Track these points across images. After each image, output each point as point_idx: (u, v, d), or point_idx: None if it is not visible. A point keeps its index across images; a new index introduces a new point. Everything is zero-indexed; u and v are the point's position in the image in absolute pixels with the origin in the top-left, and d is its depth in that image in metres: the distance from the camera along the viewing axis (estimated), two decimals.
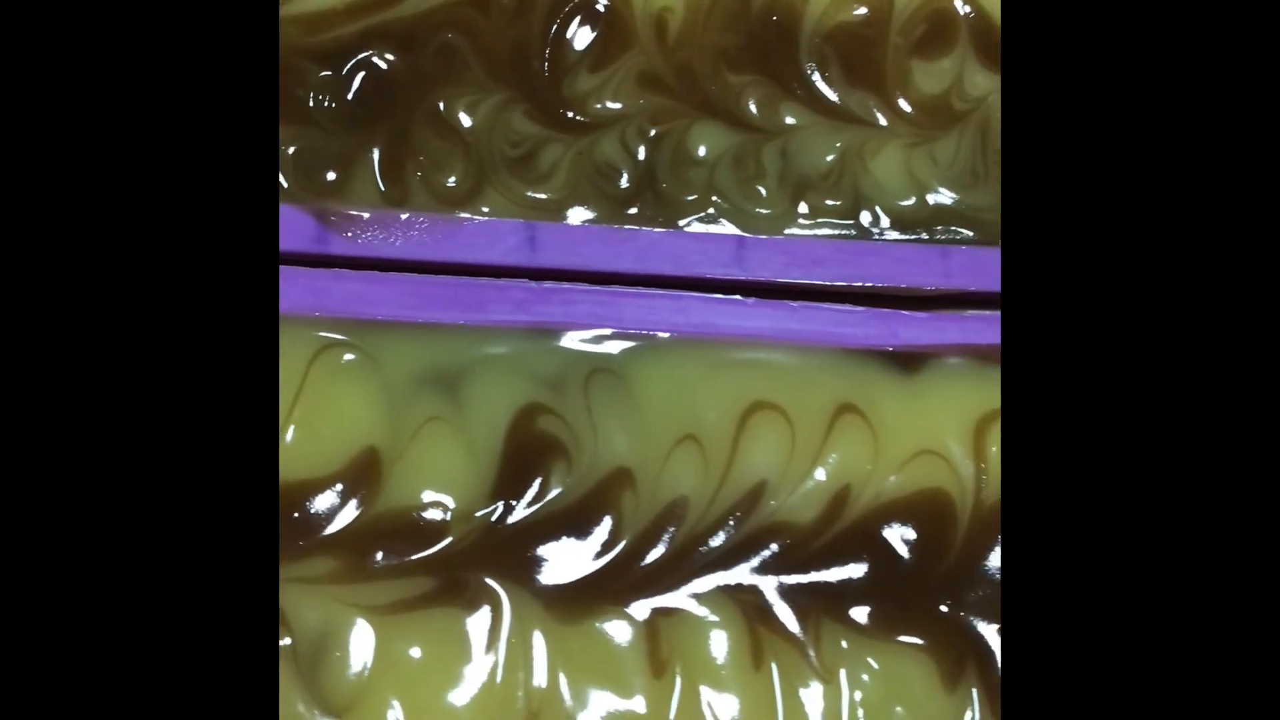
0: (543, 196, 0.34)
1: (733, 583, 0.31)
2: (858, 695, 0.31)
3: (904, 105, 0.36)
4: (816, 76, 0.36)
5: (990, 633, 0.31)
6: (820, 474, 0.32)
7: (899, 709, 0.31)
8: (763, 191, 0.35)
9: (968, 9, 0.36)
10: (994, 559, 0.32)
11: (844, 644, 0.31)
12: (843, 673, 0.31)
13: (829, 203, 0.35)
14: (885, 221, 0.35)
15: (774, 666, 0.31)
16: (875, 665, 0.31)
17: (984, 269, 0.34)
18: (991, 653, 0.31)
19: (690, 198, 0.34)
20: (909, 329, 0.34)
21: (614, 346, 0.33)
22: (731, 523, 0.32)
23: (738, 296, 0.34)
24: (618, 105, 0.35)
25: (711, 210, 0.34)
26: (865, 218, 0.35)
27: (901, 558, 0.32)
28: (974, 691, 0.31)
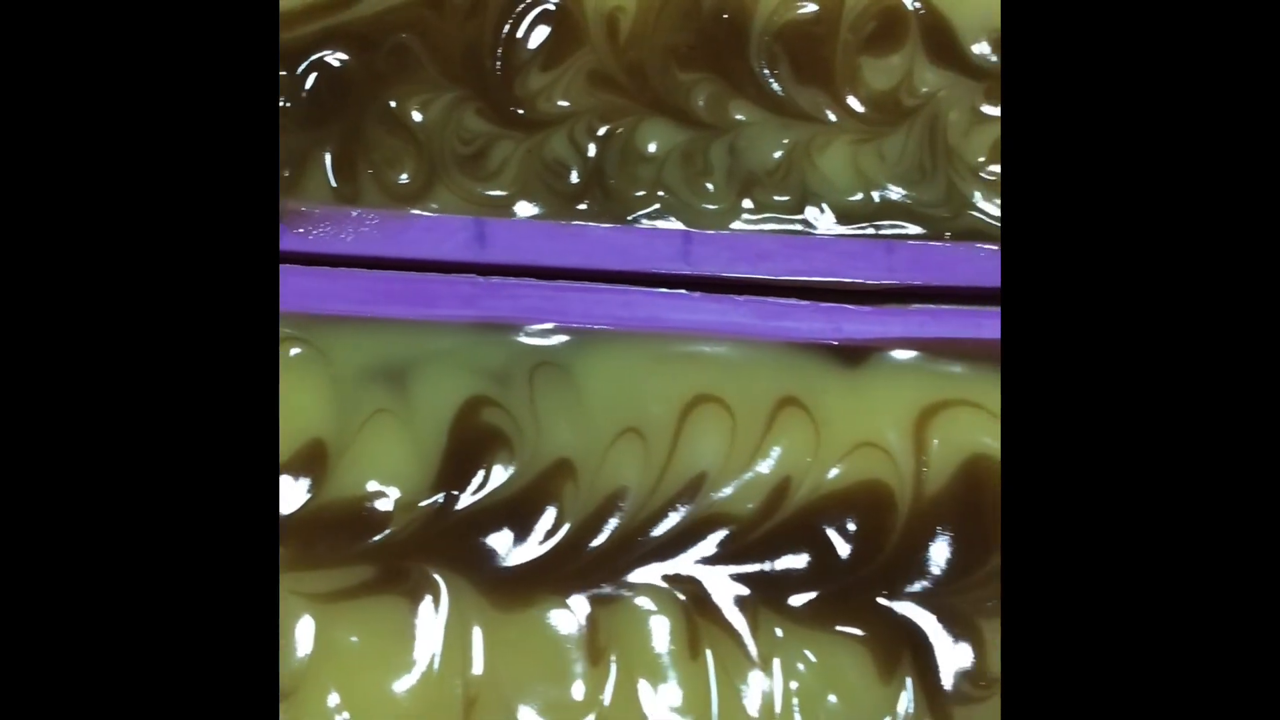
0: (493, 193, 0.35)
1: (671, 573, 0.32)
2: (794, 685, 0.31)
3: (853, 102, 0.36)
4: (766, 74, 0.36)
5: (928, 623, 0.31)
6: (760, 466, 0.33)
7: (833, 698, 0.31)
8: (710, 187, 0.35)
9: (917, 5, 0.36)
10: (934, 550, 0.32)
11: (780, 633, 0.31)
12: (778, 662, 0.31)
13: (776, 198, 0.35)
14: (831, 217, 0.35)
15: (710, 655, 0.31)
16: (811, 655, 0.31)
17: (929, 263, 0.34)
18: (928, 644, 0.31)
19: (638, 194, 0.35)
20: (853, 323, 0.34)
21: (560, 340, 0.34)
22: (671, 514, 0.32)
23: (683, 291, 0.34)
24: (567, 103, 0.36)
25: (659, 206, 0.35)
26: (811, 213, 0.35)
27: (840, 549, 0.32)
28: (909, 681, 0.31)
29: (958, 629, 0.31)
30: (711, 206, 0.35)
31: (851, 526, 0.32)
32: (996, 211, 0.35)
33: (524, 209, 0.35)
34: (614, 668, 0.31)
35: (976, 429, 0.33)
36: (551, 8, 0.36)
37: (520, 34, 0.36)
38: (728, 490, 0.32)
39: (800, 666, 0.31)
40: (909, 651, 0.31)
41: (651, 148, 0.35)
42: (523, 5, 0.36)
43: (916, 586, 0.32)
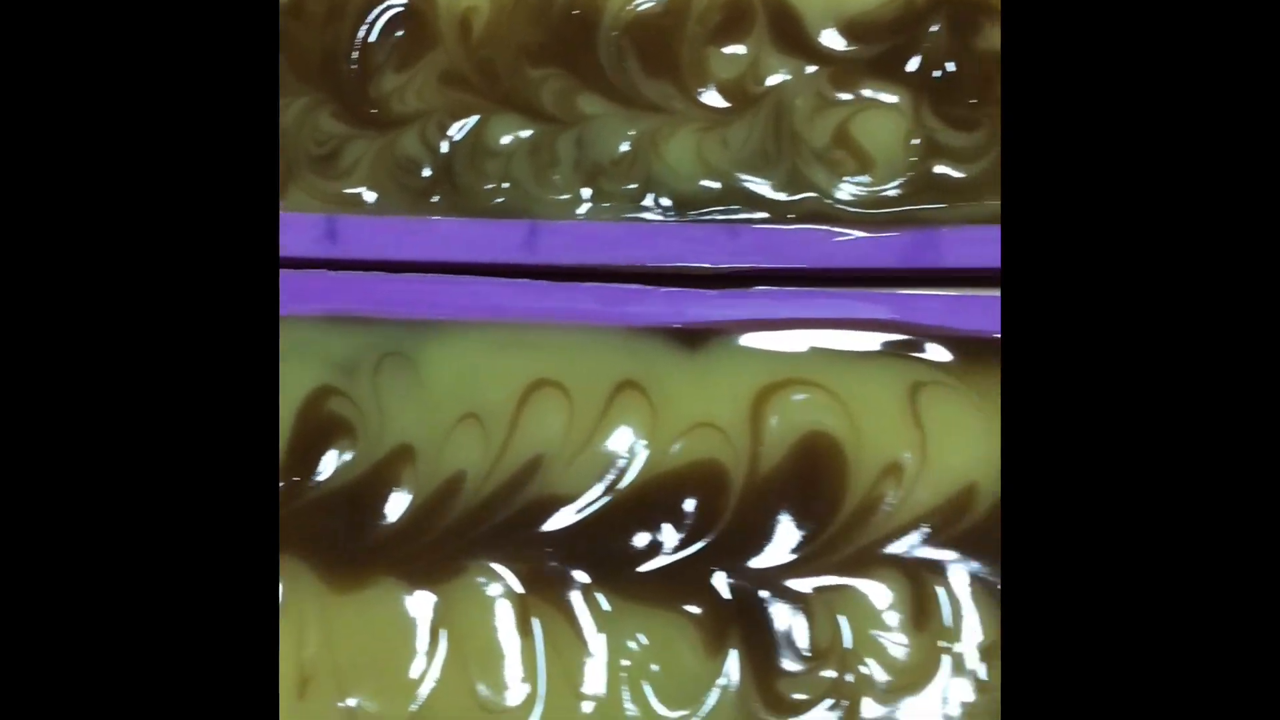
0: (346, 191, 0.36)
1: (506, 551, 0.32)
2: (623, 661, 0.31)
3: (699, 92, 0.37)
4: (615, 67, 0.37)
5: (758, 597, 0.32)
6: (597, 447, 0.33)
7: (659, 670, 0.31)
8: (557, 179, 0.36)
9: None
10: (767, 527, 0.32)
11: (610, 609, 0.32)
12: (606, 637, 0.31)
13: (622, 187, 0.36)
14: (677, 203, 0.36)
15: (540, 632, 0.32)
16: (641, 630, 0.31)
17: (771, 247, 0.35)
18: (761, 619, 0.32)
19: (486, 187, 0.36)
20: (696, 307, 0.34)
21: (405, 331, 0.34)
22: (508, 496, 0.33)
23: (528, 280, 0.35)
24: (420, 102, 0.37)
25: (503, 199, 0.36)
26: (657, 200, 0.36)
27: (673, 527, 0.32)
28: (734, 653, 0.31)
29: (787, 603, 0.32)
30: (558, 197, 0.36)
31: (686, 505, 0.33)
32: (841, 195, 0.35)
33: (376, 206, 0.36)
34: (446, 646, 0.31)
35: (814, 408, 0.33)
36: (406, 11, 0.37)
37: (375, 37, 0.37)
38: (564, 472, 0.33)
39: (629, 643, 0.31)
40: (737, 626, 0.31)
41: (500, 142, 0.36)
42: (378, 10, 0.37)
43: (748, 562, 0.32)
